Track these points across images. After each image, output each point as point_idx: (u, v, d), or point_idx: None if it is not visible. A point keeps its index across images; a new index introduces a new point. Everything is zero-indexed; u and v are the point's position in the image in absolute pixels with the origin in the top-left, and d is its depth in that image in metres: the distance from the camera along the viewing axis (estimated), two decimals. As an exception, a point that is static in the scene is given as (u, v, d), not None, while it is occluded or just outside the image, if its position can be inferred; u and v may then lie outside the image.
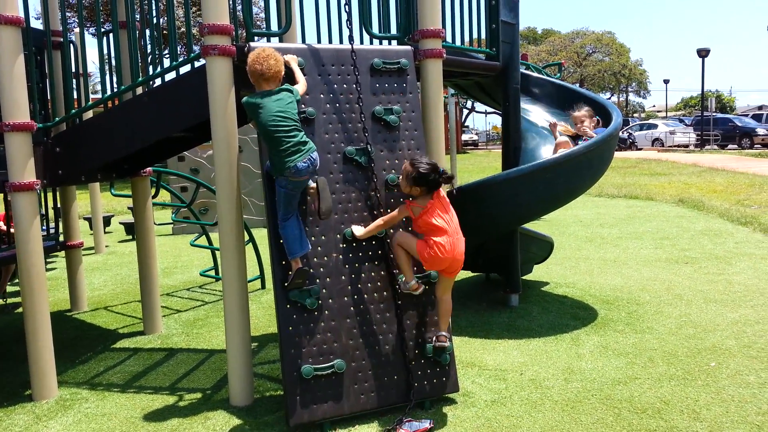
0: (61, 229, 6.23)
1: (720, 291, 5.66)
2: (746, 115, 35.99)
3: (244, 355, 3.61)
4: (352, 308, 3.49)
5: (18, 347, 4.80)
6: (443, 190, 3.53)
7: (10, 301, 6.41)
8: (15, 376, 4.30)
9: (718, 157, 22.56)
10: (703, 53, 30.12)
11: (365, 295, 3.54)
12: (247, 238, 5.77)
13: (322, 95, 3.67)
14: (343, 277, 3.52)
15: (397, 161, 3.76)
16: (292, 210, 3.40)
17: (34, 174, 3.79)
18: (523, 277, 5.90)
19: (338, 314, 3.46)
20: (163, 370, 4.30)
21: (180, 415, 3.53)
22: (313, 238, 3.50)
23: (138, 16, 4.23)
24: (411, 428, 3.20)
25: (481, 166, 24.18)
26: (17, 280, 6.60)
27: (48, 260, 8.18)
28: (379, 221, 3.55)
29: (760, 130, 29.61)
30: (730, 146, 30.05)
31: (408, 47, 3.98)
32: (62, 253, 7.84)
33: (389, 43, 4.31)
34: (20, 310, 5.60)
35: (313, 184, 3.40)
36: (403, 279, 3.55)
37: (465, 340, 4.60)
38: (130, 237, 10.59)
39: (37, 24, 5.50)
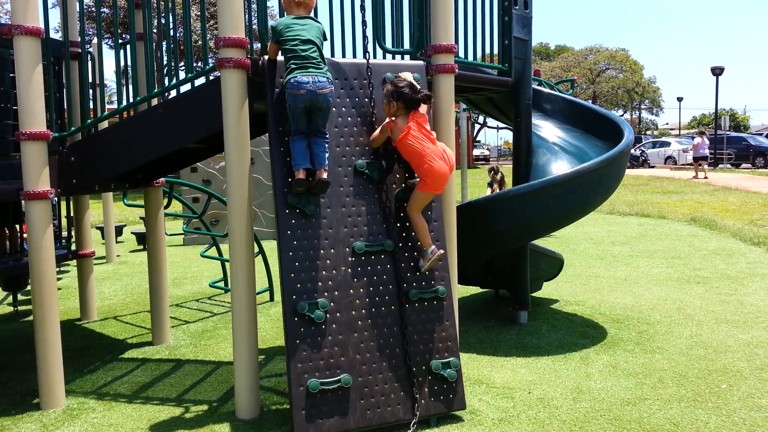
0: (73, 238, 6.28)
1: (732, 312, 5.60)
2: (760, 134, 35.77)
3: (251, 367, 3.61)
4: (359, 322, 3.48)
5: (26, 355, 4.82)
6: (424, 114, 3.61)
7: (20, 309, 6.45)
8: (23, 383, 4.31)
9: (732, 176, 22.40)
10: (717, 71, 30.06)
11: (373, 309, 3.53)
12: (256, 250, 5.78)
13: (333, 108, 3.69)
14: (351, 291, 3.51)
15: (407, 175, 3.77)
16: (301, 128, 3.49)
17: (49, 182, 3.83)
18: (533, 294, 5.86)
19: (346, 328, 3.45)
20: (171, 381, 4.30)
21: (186, 427, 3.53)
22: (321, 251, 3.51)
23: (155, 30, 4.29)
24: (417, 445, 3.18)
25: (492, 181, 24.10)
26: (28, 288, 6.65)
27: (59, 269, 8.24)
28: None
29: (774, 150, 29.42)
30: (743, 165, 29.84)
31: (420, 62, 4.00)
32: (73, 262, 7.89)
33: (402, 58, 4.33)
34: (29, 318, 5.63)
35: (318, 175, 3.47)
36: (424, 252, 3.63)
37: (473, 357, 4.57)
38: (142, 247, 10.64)
39: (55, 36, 5.57)
